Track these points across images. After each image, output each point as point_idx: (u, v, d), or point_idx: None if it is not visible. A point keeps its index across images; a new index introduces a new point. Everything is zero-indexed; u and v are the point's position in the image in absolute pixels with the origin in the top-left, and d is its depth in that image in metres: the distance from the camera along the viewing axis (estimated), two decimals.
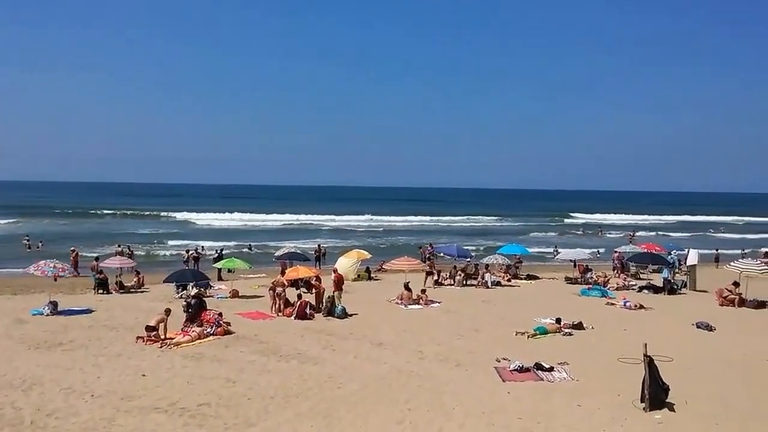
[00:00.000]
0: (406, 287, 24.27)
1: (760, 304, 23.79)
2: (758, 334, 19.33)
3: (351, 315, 21.31)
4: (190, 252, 35.01)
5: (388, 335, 18.38)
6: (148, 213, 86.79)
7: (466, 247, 39.08)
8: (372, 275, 32.30)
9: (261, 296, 24.25)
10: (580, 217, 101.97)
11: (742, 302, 24.05)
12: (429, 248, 38.16)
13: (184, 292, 24.26)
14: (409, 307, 23.32)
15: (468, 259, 33.30)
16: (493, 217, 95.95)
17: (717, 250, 43.87)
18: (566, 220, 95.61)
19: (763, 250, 45.04)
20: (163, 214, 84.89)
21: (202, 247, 37.98)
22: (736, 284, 24.88)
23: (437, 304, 23.95)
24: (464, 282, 29.37)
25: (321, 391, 12.97)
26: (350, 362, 15.33)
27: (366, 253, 33.62)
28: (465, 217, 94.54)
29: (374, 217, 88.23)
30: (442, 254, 35.89)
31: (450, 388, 13.26)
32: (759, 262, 37.80)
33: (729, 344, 17.78)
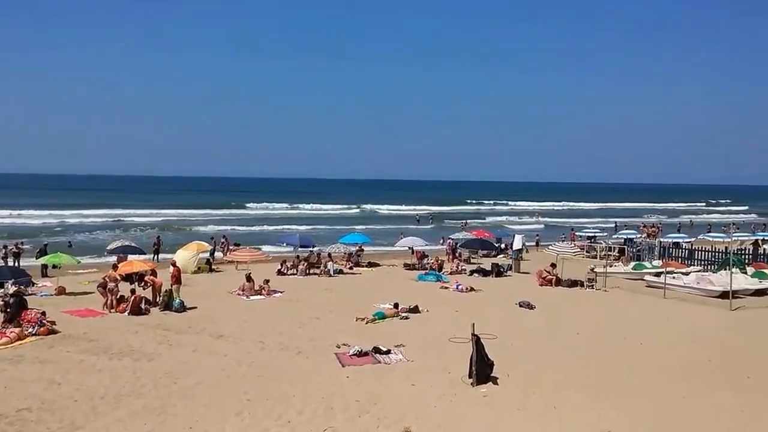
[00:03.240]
0: (248, 278, 24.00)
1: (573, 283, 26.37)
2: (571, 310, 21.44)
3: (190, 308, 20.70)
4: (9, 248, 32.00)
5: (228, 327, 18.11)
6: None
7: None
8: (213, 267, 31.49)
9: (91, 292, 22.76)
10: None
11: (558, 282, 26.53)
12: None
13: (2, 290, 22.14)
14: (251, 297, 23.10)
15: (311, 249, 33.54)
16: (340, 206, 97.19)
17: (537, 235, 47.80)
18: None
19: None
20: None
21: (22, 242, 34.78)
22: (553, 266, 27.40)
23: (280, 293, 23.94)
24: (307, 271, 29.57)
25: (156, 387, 12.54)
26: (188, 356, 14.94)
27: (206, 244, 32.75)
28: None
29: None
30: (285, 244, 35.83)
31: (290, 376, 13.40)
32: (573, 245, 41.98)
33: (546, 320, 19.58)
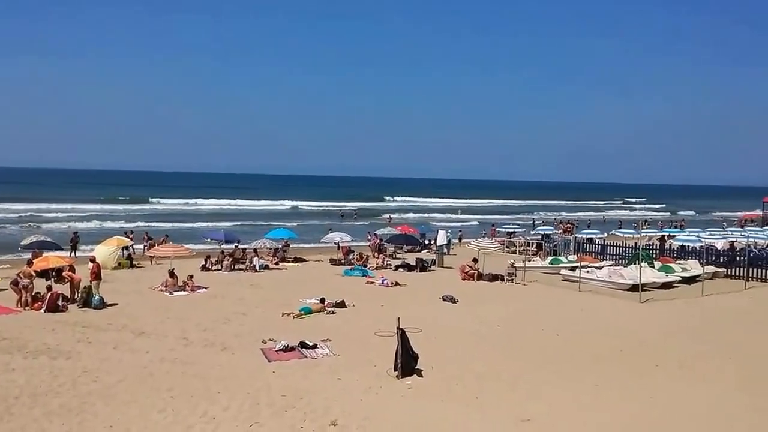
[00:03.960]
0: (171, 274, 23.49)
1: (494, 277, 27.18)
2: (492, 303, 22.12)
3: (110, 305, 20.08)
4: None
5: (151, 323, 17.71)
6: None
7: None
8: (135, 263, 30.60)
9: (4, 290, 21.67)
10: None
11: (480, 276, 27.29)
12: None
13: None
14: (175, 293, 22.62)
15: (236, 244, 33.13)
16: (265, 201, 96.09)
17: (460, 231, 48.88)
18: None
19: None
20: None
21: None
22: (475, 260, 28.15)
23: (204, 289, 23.56)
24: (232, 267, 29.19)
25: (75, 386, 12.18)
26: (109, 354, 14.56)
27: (127, 239, 31.76)
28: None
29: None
30: (209, 239, 35.23)
31: (215, 372, 13.30)
32: (493, 240, 43.21)
33: (469, 314, 20.14)
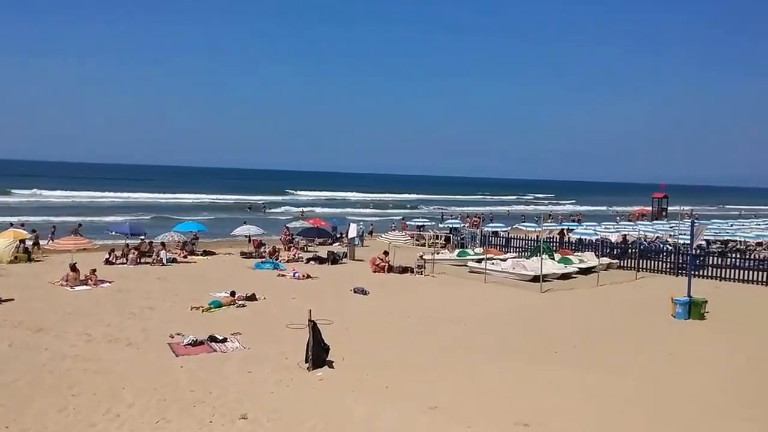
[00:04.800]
0: (73, 268, 22.52)
1: (404, 270, 27.71)
2: (402, 295, 22.61)
3: (6, 300, 19.03)
4: None
5: (50, 320, 16.95)
6: None
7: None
8: (33, 256, 29.02)
9: None
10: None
11: (391, 268, 27.76)
12: None
13: None
14: (77, 288, 21.70)
15: (142, 237, 32.07)
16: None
17: (372, 225, 49.33)
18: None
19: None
20: None
21: None
22: (386, 253, 28.62)
23: (108, 283, 22.72)
24: (138, 260, 28.27)
25: None
26: (3, 352, 13.87)
27: (24, 232, 30.11)
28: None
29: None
30: (113, 232, 33.87)
31: (120, 368, 12.96)
32: (404, 233, 43.94)
33: (380, 305, 20.50)
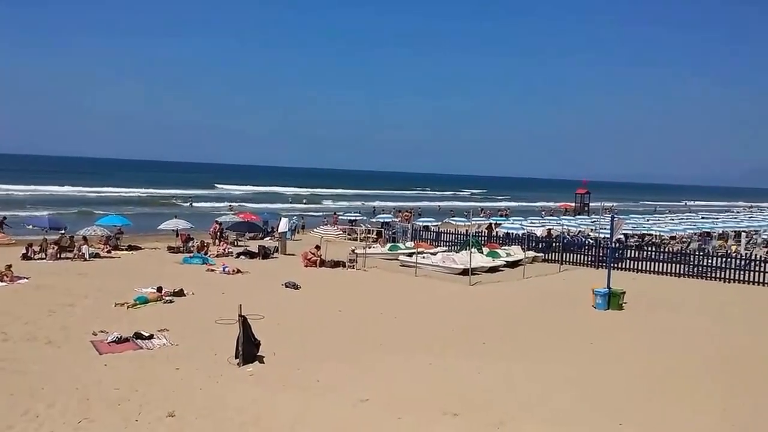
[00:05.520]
0: None
1: (335, 264, 27.74)
2: (334, 289, 22.63)
3: None
4: None
5: None
6: None
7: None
8: None
9: None
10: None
11: (323, 263, 27.73)
12: None
13: None
14: None
15: (62, 231, 30.80)
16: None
17: (303, 218, 49.07)
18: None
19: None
20: None
21: None
22: (318, 247, 28.55)
23: (25, 279, 21.71)
24: (58, 255, 27.14)
25: None
26: None
27: None
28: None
29: None
30: (31, 226, 32.40)
31: (38, 368, 12.45)
32: (336, 227, 43.97)
33: (311, 300, 20.47)
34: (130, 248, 31.45)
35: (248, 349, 13.29)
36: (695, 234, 41.51)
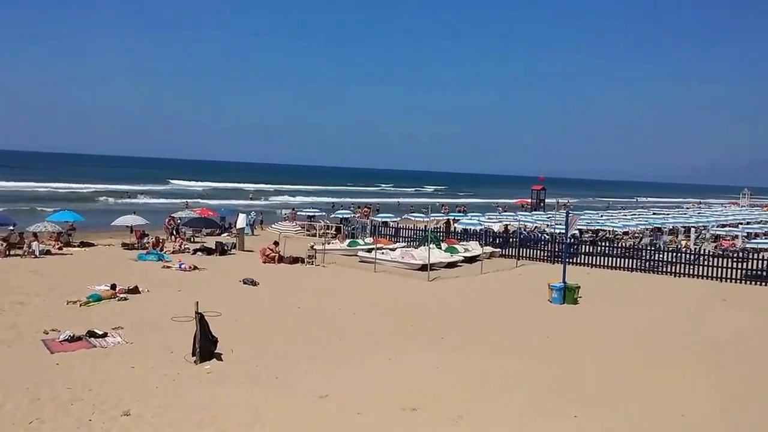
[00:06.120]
0: None
1: (294, 260, 27.62)
2: (293, 285, 22.54)
3: None
4: None
5: None
6: None
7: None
8: None
9: None
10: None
11: (281, 259, 27.58)
12: None
13: None
14: None
15: (11, 227, 29.87)
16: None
17: (262, 213, 48.60)
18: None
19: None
20: None
21: None
22: (276, 243, 28.39)
23: None
24: (7, 252, 26.33)
25: None
26: None
27: None
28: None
29: None
30: None
31: None
32: (295, 223, 43.75)
33: (270, 296, 20.34)
34: (83, 245, 30.73)
35: (205, 347, 13.15)
36: (647, 229, 42.56)
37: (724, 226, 45.54)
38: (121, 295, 19.00)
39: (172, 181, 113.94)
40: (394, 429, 10.22)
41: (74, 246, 30.26)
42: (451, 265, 28.11)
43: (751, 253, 29.75)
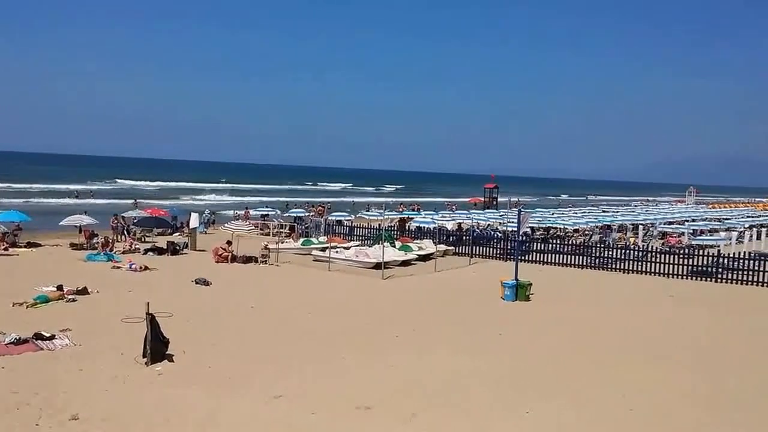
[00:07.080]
0: None
1: (248, 259, 27.43)
2: (246, 285, 22.40)
3: None
4: None
5: None
6: None
7: None
8: None
9: None
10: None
11: (234, 258, 27.35)
12: None
13: None
14: None
15: None
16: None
17: (214, 214, 47.92)
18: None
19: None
20: None
21: None
22: (229, 243, 28.13)
23: None
24: None
25: None
26: None
27: None
28: None
29: None
30: None
31: None
32: (248, 223, 43.41)
33: (223, 296, 20.17)
34: (30, 245, 29.89)
35: (156, 348, 12.98)
36: (597, 227, 43.61)
37: (671, 223, 47.00)
38: (70, 297, 18.58)
39: (119, 180, 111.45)
40: (349, 428, 10.30)
41: (21, 246, 29.42)
42: (405, 263, 28.33)
43: (696, 250, 30.83)
